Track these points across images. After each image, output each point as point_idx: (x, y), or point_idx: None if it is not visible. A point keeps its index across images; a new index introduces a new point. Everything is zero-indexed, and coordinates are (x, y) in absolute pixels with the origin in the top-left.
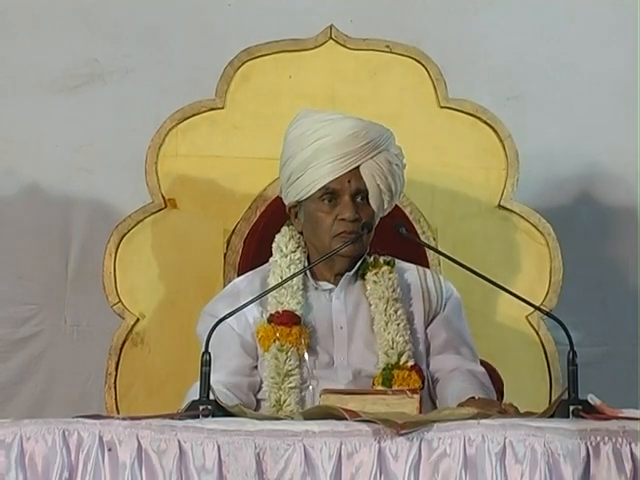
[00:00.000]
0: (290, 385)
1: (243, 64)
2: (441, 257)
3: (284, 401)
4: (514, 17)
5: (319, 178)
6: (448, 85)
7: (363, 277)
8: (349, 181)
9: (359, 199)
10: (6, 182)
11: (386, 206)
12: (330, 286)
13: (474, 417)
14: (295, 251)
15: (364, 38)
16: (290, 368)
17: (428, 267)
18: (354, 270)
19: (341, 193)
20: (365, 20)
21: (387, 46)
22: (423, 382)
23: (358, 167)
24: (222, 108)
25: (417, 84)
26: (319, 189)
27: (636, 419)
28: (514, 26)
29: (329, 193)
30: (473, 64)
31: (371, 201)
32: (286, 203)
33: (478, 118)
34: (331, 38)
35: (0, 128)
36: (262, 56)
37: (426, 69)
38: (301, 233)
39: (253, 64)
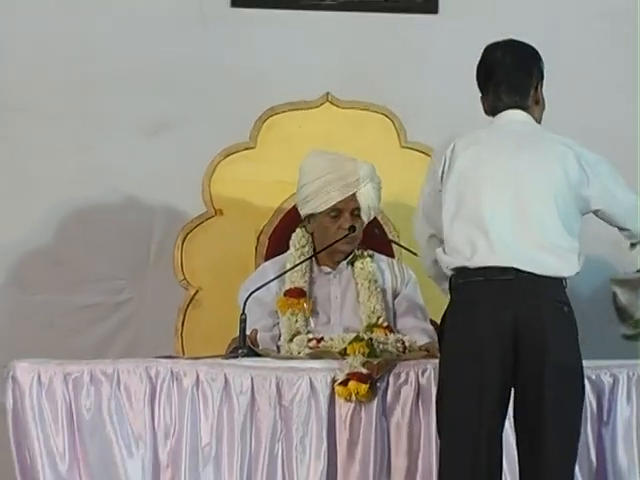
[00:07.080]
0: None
1: (269, 118)
2: (402, 249)
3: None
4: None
5: (329, 200)
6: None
7: (352, 265)
8: (349, 202)
9: (354, 214)
10: (109, 198)
11: (371, 217)
12: (330, 270)
13: (425, 357)
14: (305, 246)
15: (350, 100)
16: (299, 327)
17: (393, 257)
18: (347, 260)
19: (343, 211)
20: (351, 87)
21: (365, 106)
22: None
23: (355, 193)
24: (254, 148)
25: (385, 132)
26: (328, 208)
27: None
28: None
29: (335, 210)
30: None
31: (363, 216)
32: (302, 213)
33: (428, 155)
34: (328, 100)
35: (104, 160)
36: (281, 112)
37: (392, 121)
38: (311, 234)
39: (275, 118)
